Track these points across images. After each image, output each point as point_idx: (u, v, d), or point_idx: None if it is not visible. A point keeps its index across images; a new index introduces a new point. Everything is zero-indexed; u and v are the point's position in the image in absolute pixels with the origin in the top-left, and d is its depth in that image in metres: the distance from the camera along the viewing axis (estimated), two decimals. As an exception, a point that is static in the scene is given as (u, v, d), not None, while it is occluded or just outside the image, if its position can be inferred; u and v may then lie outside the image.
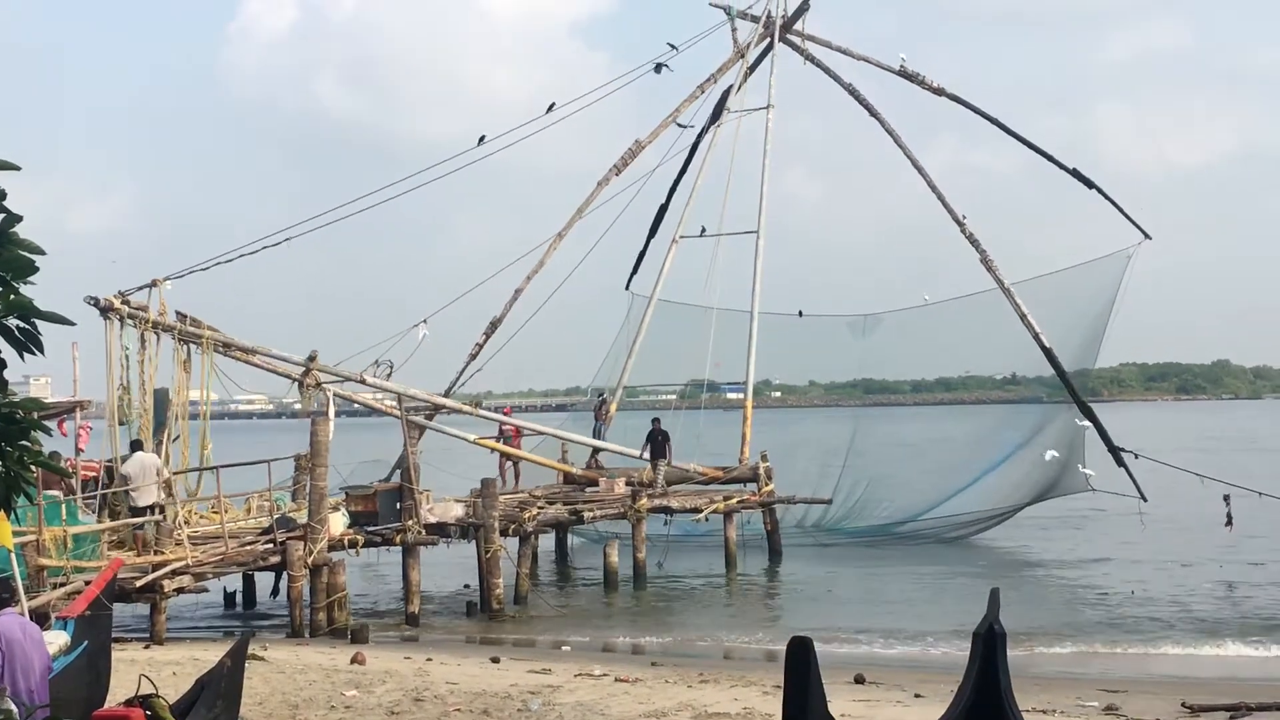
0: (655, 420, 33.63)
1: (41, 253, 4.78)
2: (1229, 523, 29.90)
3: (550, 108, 34.83)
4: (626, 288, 39.36)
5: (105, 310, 26.21)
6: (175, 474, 25.78)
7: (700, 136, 38.32)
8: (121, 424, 25.93)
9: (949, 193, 36.57)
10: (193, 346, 27.20)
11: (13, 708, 7.97)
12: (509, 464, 33.09)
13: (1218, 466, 36.47)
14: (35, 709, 8.28)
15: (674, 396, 39.33)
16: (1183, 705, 15.98)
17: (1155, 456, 33.17)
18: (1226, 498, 29.94)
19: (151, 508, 23.49)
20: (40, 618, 15.22)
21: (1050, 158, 36.36)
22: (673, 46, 36.98)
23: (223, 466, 25.94)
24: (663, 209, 38.91)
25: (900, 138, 36.67)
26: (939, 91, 36.99)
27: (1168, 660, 21.13)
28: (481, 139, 33.60)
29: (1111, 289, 34.52)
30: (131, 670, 13.94)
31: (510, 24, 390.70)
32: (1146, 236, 34.39)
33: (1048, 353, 34.22)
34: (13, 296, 4.71)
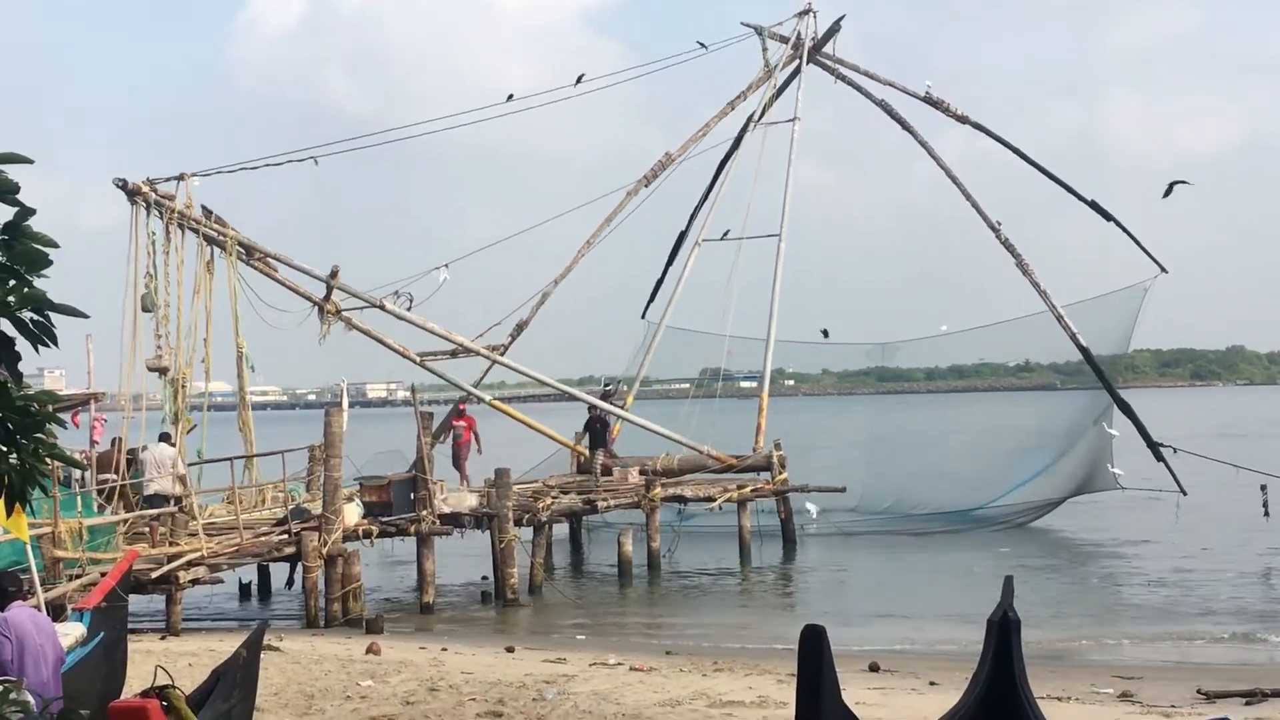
0: (592, 408, 33.39)
1: (55, 245, 4.79)
2: (1266, 512, 30.00)
3: (579, 79, 35.12)
4: (642, 316, 39.10)
5: (132, 194, 26.28)
6: (193, 464, 25.84)
7: (724, 161, 38.39)
8: (146, 311, 26.07)
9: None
10: (217, 251, 27.16)
11: (30, 699, 7.99)
12: (464, 462, 31.27)
13: (1248, 454, 36.43)
14: (49, 701, 8.30)
15: (687, 385, 39.34)
16: (1198, 691, 15.98)
17: (1194, 450, 33.23)
18: (1264, 487, 30.00)
19: (166, 499, 23.54)
20: (56, 609, 15.30)
21: (1070, 189, 36.39)
22: (702, 45, 37.25)
23: (236, 458, 26.03)
24: (682, 235, 38.95)
25: (933, 148, 37.01)
26: (963, 119, 37.09)
27: (1184, 647, 21.05)
28: (510, 97, 33.84)
29: (1130, 318, 35.23)
30: (148, 661, 13.97)
31: (517, 15, 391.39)
32: (1163, 270, 34.90)
33: (1085, 352, 34.70)
34: (26, 289, 4.72)
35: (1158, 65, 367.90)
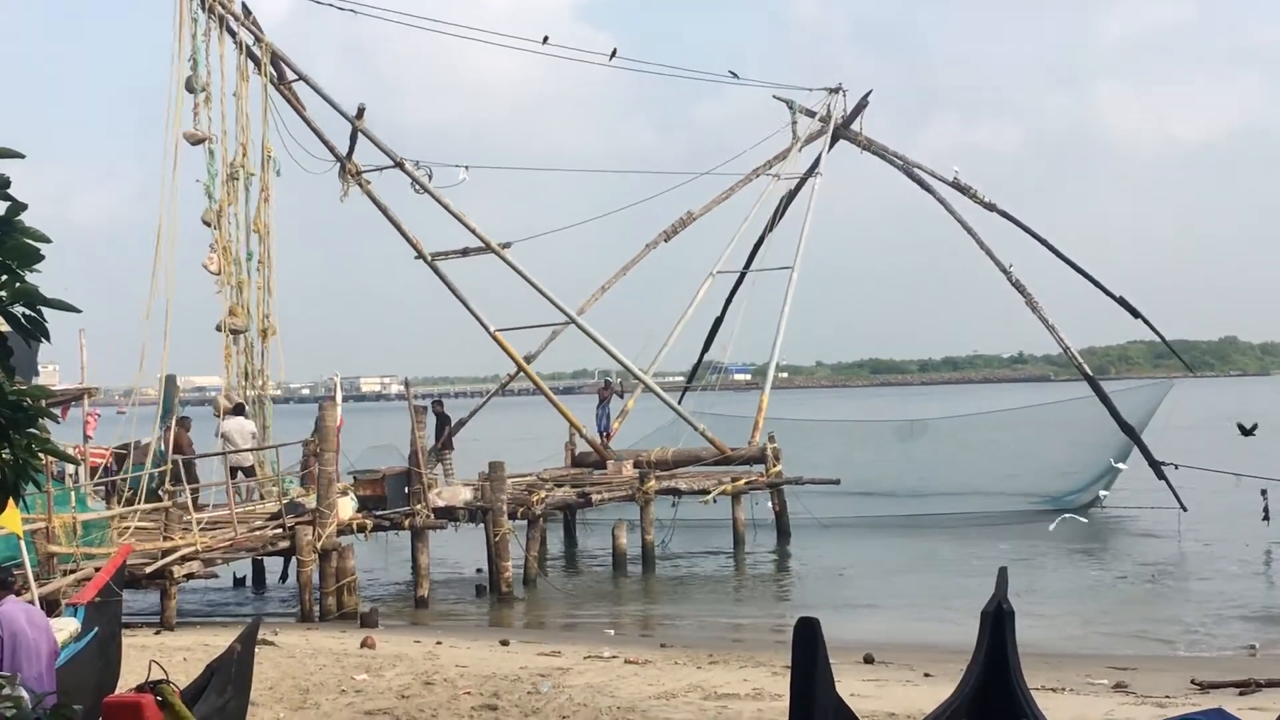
0: (436, 402, 32.44)
1: (47, 240, 4.79)
2: (1266, 516, 29.94)
3: (613, 54, 35.37)
4: (679, 402, 39.13)
5: None
6: (192, 458, 25.82)
7: (760, 241, 38.61)
8: (190, 91, 27.18)
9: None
10: (252, 67, 28.33)
11: (24, 694, 7.97)
12: None
13: (1249, 449, 36.48)
14: (43, 696, 8.29)
15: (681, 378, 39.43)
16: (1192, 682, 16.02)
17: (1194, 464, 33.77)
18: (1264, 492, 30.03)
19: (246, 470, 23.69)
20: (51, 605, 15.28)
21: (1099, 285, 36.41)
22: (734, 74, 38.74)
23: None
24: (717, 322, 39.30)
25: (952, 206, 37.31)
26: (990, 207, 37.33)
27: (1179, 638, 21.07)
28: (545, 39, 33.78)
29: (1153, 407, 35.72)
30: (142, 656, 13.97)
31: (507, 7, 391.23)
32: (1191, 371, 35.03)
33: (1105, 400, 35.10)
34: (18, 284, 4.71)
35: (1149, 53, 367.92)
